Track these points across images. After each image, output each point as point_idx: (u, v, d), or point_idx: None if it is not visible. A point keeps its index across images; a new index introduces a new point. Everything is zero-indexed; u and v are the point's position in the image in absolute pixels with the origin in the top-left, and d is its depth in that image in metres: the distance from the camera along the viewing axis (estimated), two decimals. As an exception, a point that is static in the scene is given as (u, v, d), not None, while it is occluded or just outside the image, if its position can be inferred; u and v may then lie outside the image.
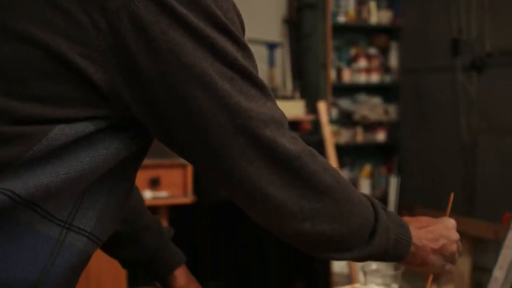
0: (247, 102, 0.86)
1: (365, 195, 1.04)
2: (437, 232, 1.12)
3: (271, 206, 0.91)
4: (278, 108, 0.92)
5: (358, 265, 3.68)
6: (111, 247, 1.27)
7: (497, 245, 2.22)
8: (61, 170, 0.82)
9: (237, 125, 0.85)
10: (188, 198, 3.45)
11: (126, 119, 0.87)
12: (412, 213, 5.02)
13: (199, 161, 0.92)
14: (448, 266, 1.17)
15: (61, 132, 0.81)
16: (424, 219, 1.15)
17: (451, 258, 1.15)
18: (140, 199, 1.29)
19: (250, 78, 0.88)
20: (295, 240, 0.98)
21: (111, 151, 0.86)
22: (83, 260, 0.93)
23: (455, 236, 1.15)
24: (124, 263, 1.30)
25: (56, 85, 0.81)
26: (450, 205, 1.37)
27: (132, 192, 1.16)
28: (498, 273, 2.19)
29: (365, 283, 1.41)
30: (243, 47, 0.89)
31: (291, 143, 0.90)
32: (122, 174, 0.92)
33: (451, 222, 1.18)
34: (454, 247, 1.14)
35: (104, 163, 0.86)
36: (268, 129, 0.87)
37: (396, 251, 1.04)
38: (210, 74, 0.83)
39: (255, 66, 0.92)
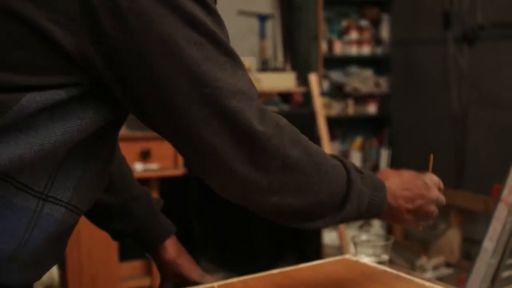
0: (215, 70, 0.83)
1: (339, 159, 1.02)
2: (415, 191, 1.11)
3: (237, 180, 0.89)
4: (248, 78, 0.90)
5: (349, 236, 3.70)
6: (100, 220, 1.26)
7: (486, 216, 2.23)
8: (35, 142, 0.81)
9: (203, 95, 0.83)
10: (179, 170, 3.45)
11: (98, 87, 0.85)
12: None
13: (166, 132, 0.89)
14: (424, 223, 1.18)
15: (32, 100, 0.80)
16: (406, 175, 1.14)
17: (427, 218, 1.15)
18: (128, 170, 1.28)
19: (219, 45, 0.85)
20: (263, 212, 0.97)
21: (85, 121, 0.85)
22: (64, 230, 0.92)
23: (434, 195, 1.15)
24: (114, 235, 1.30)
25: (26, 52, 0.80)
26: (431, 166, 1.36)
27: (117, 162, 1.15)
28: (488, 244, 2.20)
29: (356, 254, 1.41)
30: (213, 13, 0.86)
31: (258, 116, 0.88)
32: (98, 143, 0.91)
33: (433, 180, 1.18)
34: (431, 208, 1.14)
35: (79, 133, 0.85)
36: (235, 100, 0.85)
37: (370, 213, 1.04)
38: (177, 40, 0.81)
39: (226, 34, 0.88)
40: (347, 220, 1.02)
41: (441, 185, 1.20)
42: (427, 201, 1.13)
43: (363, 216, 1.04)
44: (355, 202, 0.99)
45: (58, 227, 0.89)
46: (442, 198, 1.18)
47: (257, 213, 0.97)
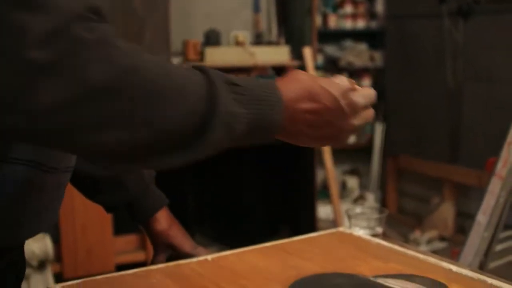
0: None
1: (204, 70, 0.79)
2: (325, 117, 0.86)
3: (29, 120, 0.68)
4: None
5: (343, 210, 3.71)
6: (92, 192, 1.26)
7: (480, 191, 2.24)
8: None
9: None
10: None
11: None
12: (397, 160, 5.05)
13: None
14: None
15: None
16: (317, 90, 0.85)
17: (338, 143, 0.92)
18: None
19: None
20: (86, 155, 0.82)
21: None
22: (30, 188, 0.91)
23: (350, 125, 0.89)
24: (106, 208, 1.30)
25: None
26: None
27: None
28: (481, 218, 2.21)
29: (350, 227, 1.41)
30: None
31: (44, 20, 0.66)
32: None
33: (356, 101, 0.89)
34: (343, 136, 0.90)
35: None
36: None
37: (253, 137, 0.83)
38: None
39: None
40: (216, 149, 0.81)
41: (372, 99, 0.92)
42: (339, 131, 0.89)
43: (244, 140, 0.83)
44: (222, 128, 0.77)
45: (21, 186, 0.88)
46: (365, 117, 0.91)
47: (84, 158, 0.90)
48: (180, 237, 1.30)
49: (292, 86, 0.84)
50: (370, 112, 0.92)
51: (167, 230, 1.29)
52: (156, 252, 1.31)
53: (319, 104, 0.84)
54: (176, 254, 1.29)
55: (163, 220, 1.29)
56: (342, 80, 0.89)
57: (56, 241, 3.18)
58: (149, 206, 1.28)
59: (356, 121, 0.89)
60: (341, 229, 1.43)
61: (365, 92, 0.91)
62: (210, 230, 4.11)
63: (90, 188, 1.24)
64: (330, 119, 0.86)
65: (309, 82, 0.85)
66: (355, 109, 0.88)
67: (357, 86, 0.91)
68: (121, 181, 1.24)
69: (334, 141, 0.91)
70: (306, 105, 0.84)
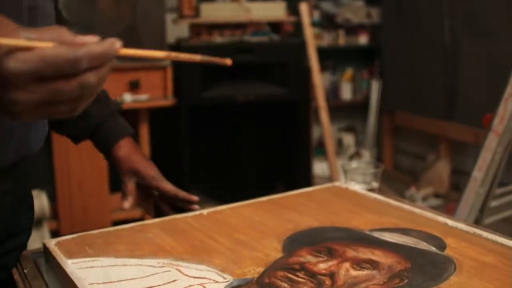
0: None
1: None
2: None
3: None
4: None
5: (339, 166, 3.71)
6: (57, 124, 1.26)
7: (477, 148, 2.24)
8: None
9: None
10: (168, 101, 3.43)
11: None
12: (393, 117, 5.04)
13: None
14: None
15: None
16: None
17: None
18: None
19: None
20: None
21: None
22: None
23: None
24: (72, 138, 1.30)
25: None
26: None
27: None
28: (477, 174, 2.21)
29: (346, 181, 1.40)
30: None
31: None
32: None
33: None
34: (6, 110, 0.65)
35: None
36: None
37: None
38: None
39: None
40: None
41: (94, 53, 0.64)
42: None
43: None
44: None
45: None
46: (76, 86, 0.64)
47: None
48: (143, 163, 1.28)
49: None
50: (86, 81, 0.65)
51: (129, 155, 1.27)
52: (123, 181, 1.29)
53: None
54: (142, 180, 1.27)
55: (125, 147, 1.28)
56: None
57: (52, 198, 3.18)
58: (112, 134, 1.27)
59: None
60: (337, 183, 1.43)
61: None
62: (206, 187, 4.12)
63: (55, 120, 1.23)
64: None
65: None
66: (15, 82, 0.62)
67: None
68: (85, 111, 1.21)
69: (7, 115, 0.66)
70: None
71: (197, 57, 0.72)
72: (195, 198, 1.28)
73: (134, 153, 1.29)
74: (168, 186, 1.28)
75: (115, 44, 0.66)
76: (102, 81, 0.67)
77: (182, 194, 1.28)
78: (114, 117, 1.29)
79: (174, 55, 0.73)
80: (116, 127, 1.29)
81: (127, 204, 1.27)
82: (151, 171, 1.27)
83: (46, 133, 1.12)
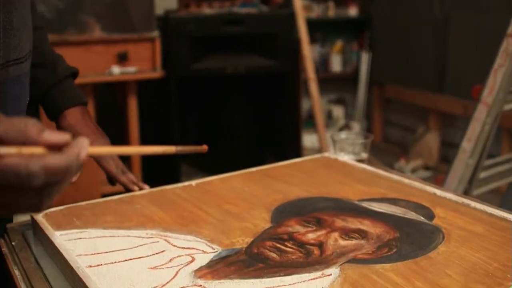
0: None
1: None
2: None
3: None
4: None
5: (329, 138, 3.71)
6: None
7: (466, 121, 2.24)
8: None
9: None
10: (157, 73, 3.40)
11: None
12: (383, 89, 5.04)
13: None
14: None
15: None
16: None
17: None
18: (40, 37, 1.20)
19: None
20: None
21: None
22: None
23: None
24: None
25: None
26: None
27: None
28: (466, 145, 2.21)
29: (335, 152, 1.40)
30: None
31: None
32: None
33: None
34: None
35: None
36: None
37: None
38: None
39: None
40: None
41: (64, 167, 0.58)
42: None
43: None
44: None
45: None
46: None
47: None
48: (89, 135, 1.19)
49: None
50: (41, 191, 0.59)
51: (73, 126, 1.21)
52: None
53: None
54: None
55: (72, 116, 1.22)
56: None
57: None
58: (58, 103, 1.22)
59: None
60: (326, 154, 1.43)
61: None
62: (195, 159, 4.11)
63: None
64: None
65: None
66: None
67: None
68: (33, 76, 1.18)
69: None
70: None
71: (171, 149, 0.69)
72: (134, 187, 1.23)
73: (80, 124, 1.22)
74: (110, 168, 1.23)
75: (81, 153, 0.60)
76: (65, 186, 0.61)
77: (123, 179, 1.23)
78: (63, 85, 1.23)
79: (146, 150, 0.69)
80: (63, 96, 1.23)
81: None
82: (97, 145, 1.19)
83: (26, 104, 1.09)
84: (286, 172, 1.31)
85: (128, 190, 1.22)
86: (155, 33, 3.37)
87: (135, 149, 0.67)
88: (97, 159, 1.23)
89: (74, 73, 1.27)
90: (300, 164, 1.38)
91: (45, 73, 1.21)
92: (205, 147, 0.77)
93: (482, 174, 2.26)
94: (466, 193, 2.17)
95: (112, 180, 1.26)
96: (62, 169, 0.58)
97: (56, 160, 0.57)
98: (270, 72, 3.90)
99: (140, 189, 1.22)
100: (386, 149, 4.96)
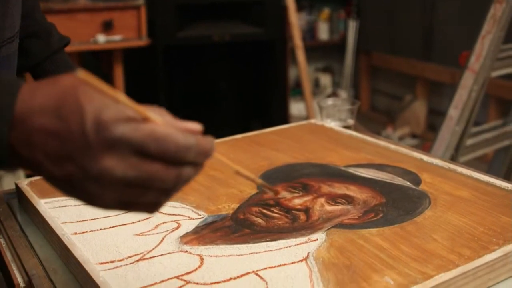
0: None
1: None
2: (69, 145, 0.52)
3: None
4: None
5: (316, 105, 3.71)
6: None
7: (453, 89, 2.23)
8: None
9: None
10: (142, 41, 3.37)
11: None
12: (370, 57, 5.02)
13: None
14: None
15: None
16: (60, 95, 0.54)
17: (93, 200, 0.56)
18: (32, 5, 1.19)
19: None
20: None
21: None
22: None
23: (98, 167, 0.53)
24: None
25: None
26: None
27: None
28: (453, 112, 2.21)
29: (321, 119, 1.39)
30: None
31: None
32: None
33: (112, 111, 0.53)
34: (90, 187, 0.54)
35: None
36: None
37: None
38: None
39: None
40: None
41: (182, 153, 0.55)
42: (83, 173, 0.53)
43: None
44: None
45: None
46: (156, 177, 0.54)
47: None
48: None
49: (42, 92, 0.54)
50: (175, 174, 0.55)
51: None
52: None
53: (64, 123, 0.52)
54: None
55: None
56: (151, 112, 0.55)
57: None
58: (53, 74, 1.15)
59: (122, 174, 0.53)
60: (312, 121, 1.42)
61: (169, 134, 0.54)
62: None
63: None
64: (70, 153, 0.53)
65: (68, 90, 0.53)
66: (115, 148, 0.52)
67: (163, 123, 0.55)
68: (25, 47, 1.16)
69: (82, 187, 0.54)
70: (47, 121, 0.53)
71: (258, 181, 0.71)
72: None
73: None
74: None
75: (214, 145, 0.59)
76: (191, 179, 0.58)
77: None
78: (57, 56, 1.21)
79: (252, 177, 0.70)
80: (57, 68, 1.20)
81: None
82: None
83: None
84: (272, 138, 1.30)
85: None
86: (140, 1, 3.33)
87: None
88: None
89: (67, 43, 1.25)
90: (287, 130, 1.38)
91: (39, 44, 1.19)
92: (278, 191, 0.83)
93: (469, 141, 2.27)
94: (453, 160, 2.17)
95: None
96: (209, 150, 0.57)
97: (206, 141, 0.57)
98: (256, 40, 3.87)
99: None
100: (373, 118, 4.96)
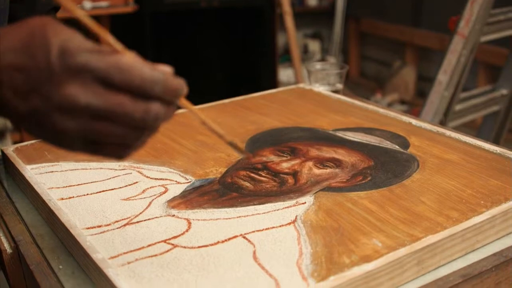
0: None
1: None
2: (30, 75, 0.53)
3: None
4: None
5: (304, 71, 3.69)
6: None
7: (442, 55, 2.22)
8: None
9: None
10: (129, 7, 3.33)
11: None
12: (359, 23, 5.00)
13: None
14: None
15: None
16: (28, 34, 0.54)
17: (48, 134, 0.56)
18: None
19: None
20: None
21: None
22: None
23: (65, 97, 0.53)
24: None
25: None
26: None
27: None
28: (442, 77, 2.21)
29: (310, 83, 1.39)
30: None
31: None
32: None
33: (74, 43, 0.54)
34: (56, 119, 0.54)
35: None
36: None
37: None
38: None
39: None
40: None
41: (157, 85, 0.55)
42: (47, 103, 0.53)
43: None
44: None
45: None
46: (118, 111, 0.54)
47: None
48: None
49: (11, 34, 0.55)
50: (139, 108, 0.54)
51: None
52: None
53: (31, 58, 0.53)
54: None
55: None
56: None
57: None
58: None
59: (80, 100, 0.52)
60: (301, 85, 1.41)
61: (127, 64, 0.54)
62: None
63: None
64: (35, 85, 0.53)
65: (36, 28, 0.54)
66: (79, 76, 0.52)
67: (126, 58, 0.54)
68: (10, 13, 1.13)
69: (51, 135, 0.56)
70: (14, 58, 0.53)
71: (226, 139, 0.69)
72: None
73: None
74: None
75: (184, 86, 0.57)
76: (161, 123, 0.57)
77: None
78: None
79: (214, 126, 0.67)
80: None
81: None
82: None
83: None
84: (260, 103, 1.30)
85: None
86: (126, -34, 3.29)
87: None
88: None
89: (55, 8, 1.22)
90: (275, 95, 1.37)
91: (23, 9, 1.16)
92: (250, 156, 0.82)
93: (458, 107, 2.26)
94: (441, 125, 2.17)
95: None
96: (176, 88, 0.56)
97: (174, 79, 0.56)
98: (245, 5, 3.83)
99: None
100: (362, 84, 4.95)
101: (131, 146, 0.57)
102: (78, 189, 0.90)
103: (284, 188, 0.87)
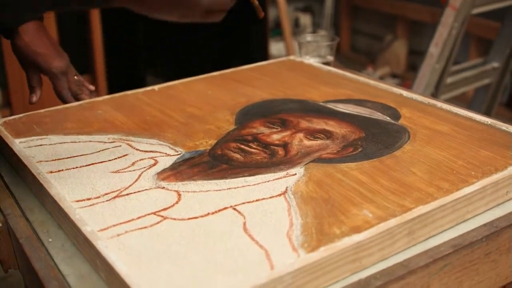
0: None
1: None
2: None
3: None
4: None
5: (295, 44, 3.68)
6: None
7: (433, 28, 2.22)
8: None
9: None
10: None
11: None
12: (350, -3, 4.97)
13: None
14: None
15: None
16: None
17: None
18: None
19: None
20: None
21: None
22: None
23: None
24: None
25: None
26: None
27: None
28: (433, 49, 2.20)
29: (300, 55, 1.38)
30: None
31: None
32: None
33: None
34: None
35: None
36: None
37: None
38: None
39: None
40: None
41: None
42: None
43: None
44: None
45: None
46: None
47: None
48: (46, 53, 1.12)
49: None
50: None
51: (29, 44, 1.11)
52: (27, 76, 1.17)
53: None
54: (45, 75, 1.14)
55: (26, 34, 1.10)
56: None
57: (4, 86, 3.10)
58: (11, 17, 1.03)
59: None
60: (291, 57, 1.40)
61: None
62: (161, 71, 4.06)
63: None
64: None
65: None
66: None
67: None
68: None
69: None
70: None
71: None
72: (83, 96, 1.19)
73: (36, 41, 1.11)
74: (62, 90, 1.16)
75: None
76: None
77: (70, 99, 1.17)
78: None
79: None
80: (16, 9, 1.14)
81: (34, 98, 1.16)
82: (55, 63, 1.13)
83: None
84: (250, 75, 1.29)
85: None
86: None
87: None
88: (52, 79, 1.15)
89: None
90: (265, 67, 1.36)
91: None
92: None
93: (449, 80, 2.26)
94: (433, 97, 2.17)
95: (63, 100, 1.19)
96: None
97: None
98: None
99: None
100: (354, 58, 4.94)
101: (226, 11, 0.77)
102: (67, 162, 0.89)
103: (275, 159, 0.87)
